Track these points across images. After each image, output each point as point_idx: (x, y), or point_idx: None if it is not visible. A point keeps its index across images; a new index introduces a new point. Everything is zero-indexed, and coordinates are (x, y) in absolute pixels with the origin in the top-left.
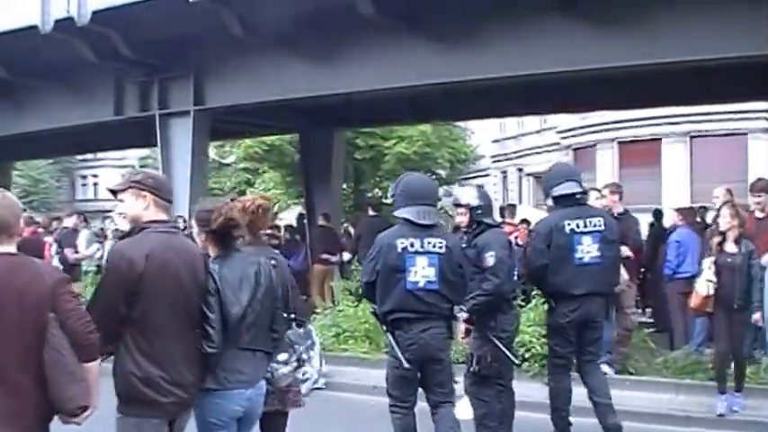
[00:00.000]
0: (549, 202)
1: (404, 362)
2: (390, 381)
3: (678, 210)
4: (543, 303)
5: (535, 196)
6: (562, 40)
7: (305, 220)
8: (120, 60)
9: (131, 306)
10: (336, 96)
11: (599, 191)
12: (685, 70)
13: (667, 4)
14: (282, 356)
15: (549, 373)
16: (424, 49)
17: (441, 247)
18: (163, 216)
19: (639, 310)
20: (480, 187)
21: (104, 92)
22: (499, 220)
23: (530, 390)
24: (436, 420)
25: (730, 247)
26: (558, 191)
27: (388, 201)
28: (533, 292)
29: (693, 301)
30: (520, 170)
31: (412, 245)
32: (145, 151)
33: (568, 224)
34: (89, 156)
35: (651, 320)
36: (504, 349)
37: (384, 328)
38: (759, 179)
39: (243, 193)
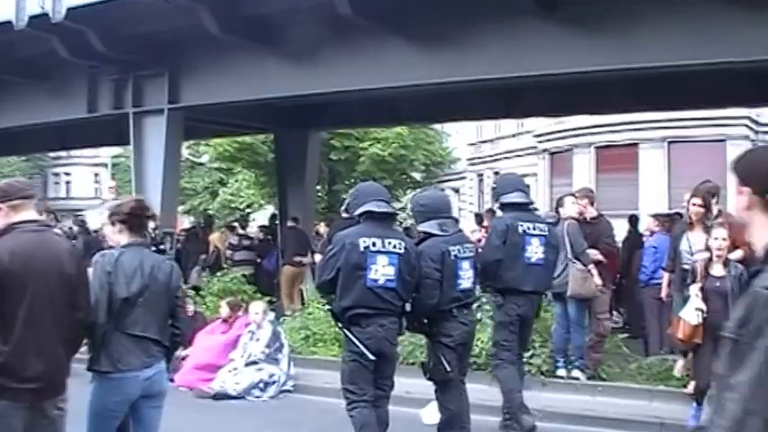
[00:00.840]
0: (497, 207)
1: (369, 354)
2: (347, 375)
3: (655, 216)
4: None
5: None
6: (544, 44)
7: (277, 221)
8: (95, 57)
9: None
10: (313, 97)
11: (575, 195)
12: (666, 75)
13: (650, 10)
14: None
15: (497, 367)
16: (405, 51)
17: (400, 248)
18: (26, 215)
19: (613, 316)
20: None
21: (78, 89)
22: (475, 226)
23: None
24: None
25: (717, 270)
26: (507, 198)
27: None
28: None
29: (682, 332)
30: (496, 173)
31: (374, 244)
32: (118, 149)
33: (521, 225)
34: (62, 153)
35: (625, 326)
36: (439, 355)
37: (339, 324)
38: (704, 182)
39: (215, 193)
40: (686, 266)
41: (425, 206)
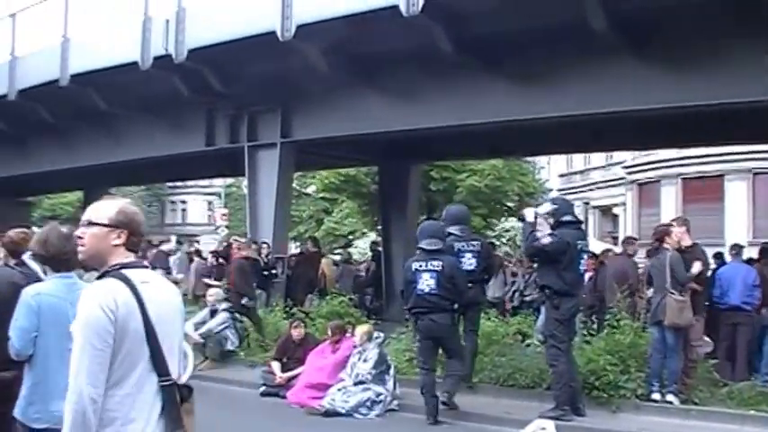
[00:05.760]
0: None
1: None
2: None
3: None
4: (614, 333)
5: (601, 229)
6: (631, 80)
7: (379, 248)
8: (212, 95)
9: None
10: (414, 131)
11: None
12: (751, 109)
13: (734, 48)
14: None
15: (552, 357)
16: (500, 88)
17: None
18: None
19: (707, 342)
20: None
21: (196, 124)
22: None
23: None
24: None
25: None
26: (566, 218)
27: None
28: (605, 322)
29: None
30: (586, 203)
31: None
32: (230, 179)
33: (579, 243)
34: (178, 183)
35: (713, 352)
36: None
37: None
38: None
39: (320, 221)
40: None
41: (420, 232)
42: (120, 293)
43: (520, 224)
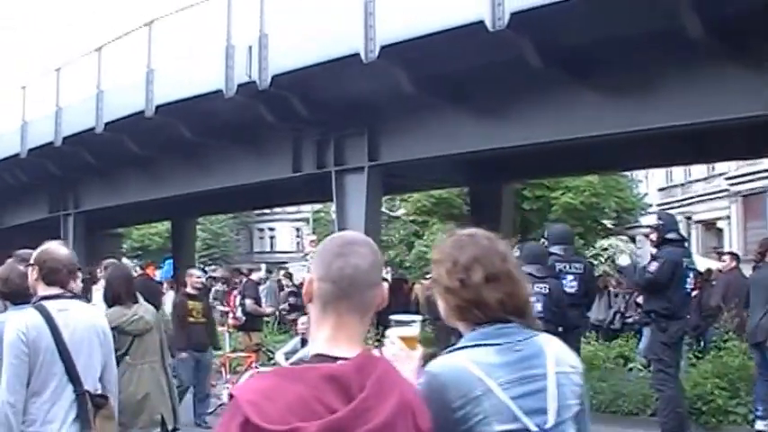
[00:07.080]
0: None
1: None
2: None
3: None
4: (721, 355)
5: (704, 244)
6: (732, 87)
7: None
8: (298, 120)
9: None
10: (505, 150)
11: None
12: None
13: None
14: None
15: (659, 381)
16: (593, 101)
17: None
18: None
19: None
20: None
21: (283, 150)
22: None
23: None
24: None
25: None
26: (671, 236)
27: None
28: (711, 344)
29: None
30: (688, 218)
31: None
32: (318, 205)
33: (684, 261)
34: (266, 210)
35: None
36: None
37: None
38: None
39: (411, 245)
40: None
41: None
42: (32, 319)
43: (618, 243)
